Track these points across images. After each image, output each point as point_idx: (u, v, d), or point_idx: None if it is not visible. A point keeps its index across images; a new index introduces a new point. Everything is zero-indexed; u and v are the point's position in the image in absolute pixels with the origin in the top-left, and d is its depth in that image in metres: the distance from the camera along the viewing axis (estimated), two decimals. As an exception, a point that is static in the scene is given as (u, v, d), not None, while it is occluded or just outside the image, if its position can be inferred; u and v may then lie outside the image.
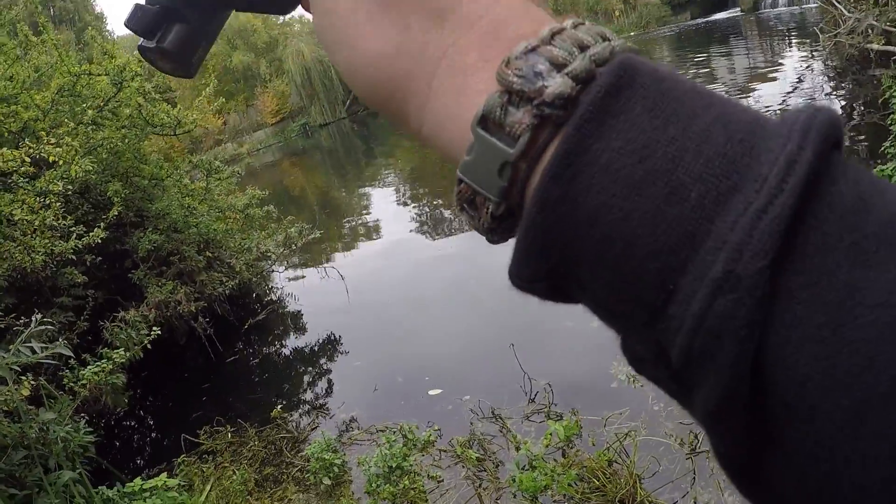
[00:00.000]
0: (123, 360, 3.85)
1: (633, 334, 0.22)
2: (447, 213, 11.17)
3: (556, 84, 0.21)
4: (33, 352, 3.14)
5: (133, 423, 5.30)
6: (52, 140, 4.04)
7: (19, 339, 3.08)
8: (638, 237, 0.19)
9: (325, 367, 6.05)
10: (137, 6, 0.37)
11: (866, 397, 0.16)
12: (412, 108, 0.26)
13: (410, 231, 10.20)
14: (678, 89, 0.20)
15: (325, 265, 8.28)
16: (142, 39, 0.38)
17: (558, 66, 0.22)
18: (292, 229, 6.88)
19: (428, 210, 11.84)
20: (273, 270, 7.62)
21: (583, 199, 0.20)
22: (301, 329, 7.15)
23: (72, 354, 3.20)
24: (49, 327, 3.14)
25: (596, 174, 0.20)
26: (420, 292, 6.97)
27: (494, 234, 0.25)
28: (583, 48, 0.22)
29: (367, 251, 9.94)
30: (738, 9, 27.97)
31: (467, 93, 0.24)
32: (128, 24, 0.37)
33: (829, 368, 0.17)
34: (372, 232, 11.39)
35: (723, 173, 0.18)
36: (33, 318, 2.91)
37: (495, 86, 0.23)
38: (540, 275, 0.22)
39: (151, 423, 5.43)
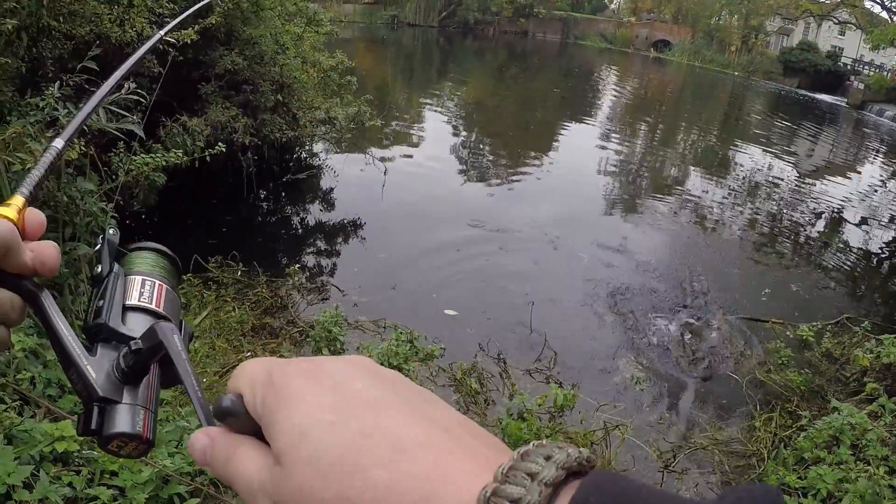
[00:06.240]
0: (178, 161, 3.84)
1: None
2: (489, 158, 11.13)
3: None
4: (109, 119, 3.10)
5: (151, 226, 5.35)
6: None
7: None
8: None
9: (346, 248, 6.08)
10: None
11: None
12: None
13: (451, 157, 10.22)
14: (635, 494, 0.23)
15: (371, 154, 8.24)
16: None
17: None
18: (367, 108, 6.79)
19: (472, 146, 11.78)
20: (327, 139, 7.55)
21: None
22: (331, 204, 7.16)
23: (142, 134, 3.17)
24: (130, 95, 3.07)
25: None
26: (457, 222, 6.96)
27: None
28: (533, 475, 0.24)
29: (409, 159, 9.90)
30: (846, 100, 27.17)
31: None
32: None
33: None
34: (416, 143, 11.31)
35: None
36: (127, 85, 2.84)
37: None
38: None
39: (168, 231, 5.47)
